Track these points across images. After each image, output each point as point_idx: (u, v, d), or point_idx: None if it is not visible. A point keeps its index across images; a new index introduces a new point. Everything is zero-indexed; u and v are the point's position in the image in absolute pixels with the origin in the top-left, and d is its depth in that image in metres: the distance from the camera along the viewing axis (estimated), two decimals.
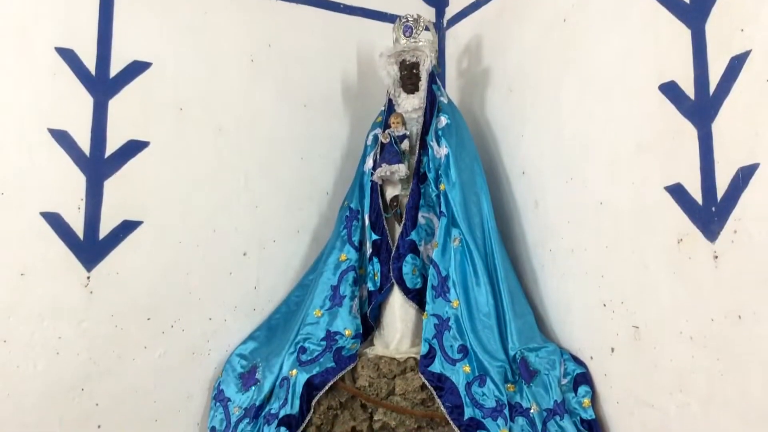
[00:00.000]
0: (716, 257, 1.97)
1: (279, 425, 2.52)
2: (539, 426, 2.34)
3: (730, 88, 1.96)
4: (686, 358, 2.02)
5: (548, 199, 2.62)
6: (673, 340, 2.06)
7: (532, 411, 2.36)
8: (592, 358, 2.38)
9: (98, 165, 2.61)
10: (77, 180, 2.58)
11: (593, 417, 2.29)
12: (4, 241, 2.47)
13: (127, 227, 2.64)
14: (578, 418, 2.31)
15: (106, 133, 2.63)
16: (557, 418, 2.32)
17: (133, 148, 2.67)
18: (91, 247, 2.58)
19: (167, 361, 2.69)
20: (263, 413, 2.59)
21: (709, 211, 1.99)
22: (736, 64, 1.94)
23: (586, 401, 2.31)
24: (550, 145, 2.63)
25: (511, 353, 2.48)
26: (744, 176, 1.91)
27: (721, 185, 1.97)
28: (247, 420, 2.59)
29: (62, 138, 2.56)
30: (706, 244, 2.00)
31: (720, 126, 1.99)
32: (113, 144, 2.64)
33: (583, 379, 2.35)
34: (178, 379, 2.70)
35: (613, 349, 2.28)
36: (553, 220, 2.59)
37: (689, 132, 2.06)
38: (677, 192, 2.08)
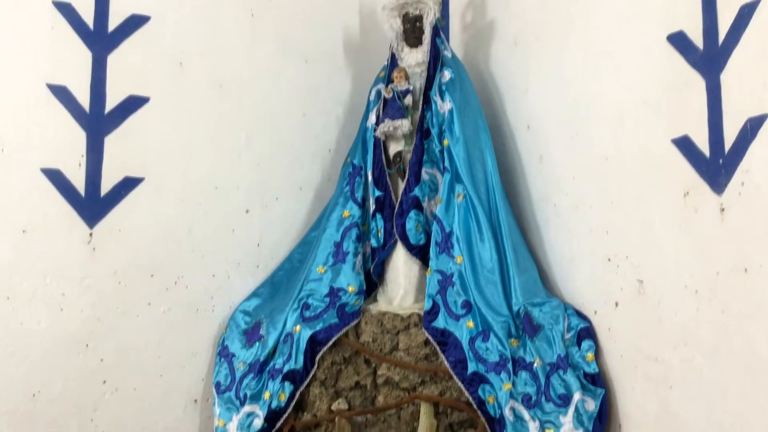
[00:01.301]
0: (723, 210, 1.94)
1: (283, 380, 2.53)
2: (542, 380, 2.35)
3: (739, 38, 1.91)
4: (691, 311, 2.01)
5: (553, 154, 2.60)
6: (677, 293, 2.05)
7: (535, 365, 2.37)
8: (596, 312, 2.37)
9: (98, 121, 2.58)
10: (77, 136, 2.55)
11: (597, 371, 2.30)
12: (6, 198, 2.46)
13: (128, 184, 2.62)
14: (582, 372, 2.31)
15: (105, 88, 2.60)
16: (560, 372, 2.33)
17: (133, 103, 2.64)
18: (92, 204, 2.56)
19: (171, 317, 2.69)
20: (268, 368, 2.60)
21: (717, 164, 1.96)
22: (746, 12, 1.89)
23: (590, 355, 2.31)
24: (555, 100, 2.59)
25: (515, 308, 2.48)
26: (752, 127, 1.87)
27: (729, 137, 1.94)
28: (251, 375, 2.60)
29: (61, 93, 2.53)
30: (712, 197, 1.97)
31: (729, 76, 1.95)
32: (113, 100, 2.61)
33: (587, 333, 2.35)
34: (183, 336, 2.71)
35: (617, 304, 2.27)
36: (557, 176, 2.57)
37: (697, 83, 2.02)
38: (684, 145, 2.05)
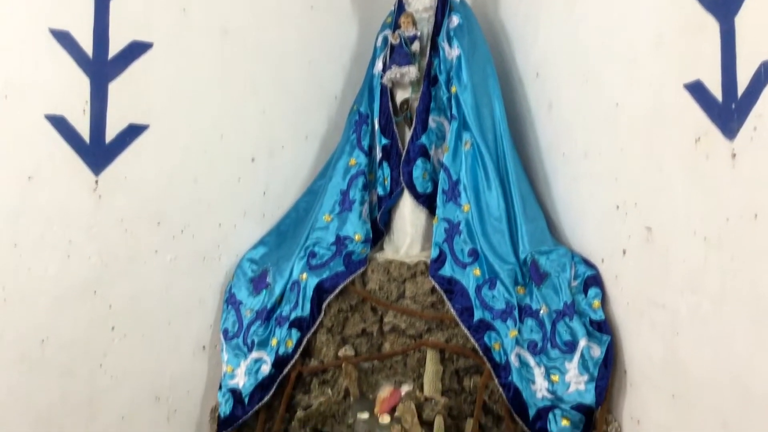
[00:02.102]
0: (734, 156, 1.91)
1: (290, 327, 2.55)
2: (548, 327, 2.35)
3: None
4: (699, 258, 1.99)
5: (562, 101, 2.56)
6: (686, 240, 2.03)
7: (541, 312, 2.37)
8: (603, 260, 2.37)
9: (102, 67, 2.55)
10: (81, 82, 2.52)
11: (603, 318, 2.30)
12: (11, 144, 2.44)
13: (133, 131, 2.60)
14: (588, 319, 2.31)
15: (108, 33, 2.55)
16: (567, 319, 2.33)
17: (137, 49, 2.60)
18: (97, 151, 2.55)
19: (178, 265, 2.70)
20: (275, 316, 2.61)
21: (729, 109, 1.93)
22: None
23: (596, 303, 2.32)
24: (566, 46, 2.54)
25: (522, 256, 2.47)
26: (766, 71, 1.83)
27: (742, 81, 1.89)
28: (258, 322, 2.62)
29: (64, 38, 2.49)
30: (724, 142, 1.94)
31: (743, 19, 1.90)
32: (116, 45, 2.57)
33: (594, 281, 2.35)
34: (190, 283, 2.72)
35: (624, 251, 2.26)
36: (566, 123, 2.54)
37: (711, 26, 1.97)
38: (696, 89, 2.01)
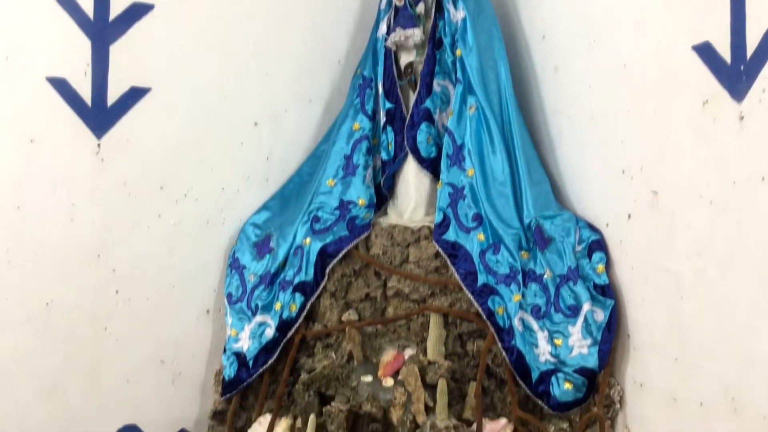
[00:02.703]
0: (742, 118, 1.89)
1: (294, 291, 2.55)
2: (552, 291, 2.35)
3: None
4: (705, 222, 1.98)
5: (569, 64, 2.53)
6: (692, 204, 2.02)
7: (545, 277, 2.37)
8: (608, 225, 2.36)
9: (103, 29, 2.52)
10: (82, 44, 2.49)
11: (607, 282, 2.30)
12: (12, 107, 2.43)
13: (135, 94, 2.57)
14: (592, 283, 2.31)
15: None
16: (570, 283, 2.33)
17: (138, 10, 2.56)
18: (99, 114, 2.53)
19: (182, 229, 2.69)
20: (278, 280, 2.61)
21: (737, 70, 1.90)
22: None
23: (600, 267, 2.31)
24: (572, 7, 2.51)
25: (526, 221, 2.46)
26: None
27: (752, 43, 1.87)
28: (262, 286, 2.62)
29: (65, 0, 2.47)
30: (732, 105, 1.92)
31: None
32: (117, 6, 2.53)
33: (598, 245, 2.34)
34: (194, 248, 2.72)
35: (629, 216, 2.25)
36: (573, 86, 2.51)
37: None
38: (705, 51, 1.98)
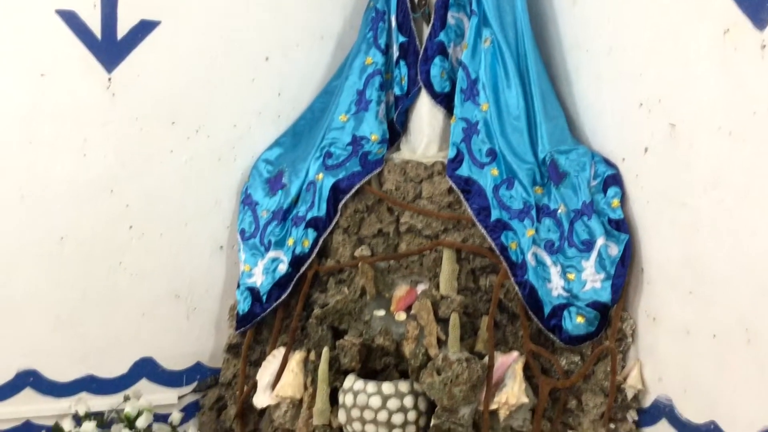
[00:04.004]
0: (764, 47, 1.84)
1: (306, 227, 2.55)
2: (566, 226, 2.34)
3: None
4: (723, 154, 1.95)
5: None
6: (710, 136, 1.99)
7: (559, 212, 2.36)
8: (624, 159, 2.32)
9: None
10: None
11: (621, 217, 2.28)
12: (21, 40, 2.41)
13: (145, 27, 2.54)
14: (606, 218, 2.29)
15: None
16: (585, 218, 2.31)
17: None
18: (109, 47, 2.50)
19: (194, 166, 2.69)
20: (291, 216, 2.61)
21: None
22: None
23: (615, 202, 2.29)
24: None
25: (541, 156, 2.43)
26: None
27: None
28: (275, 222, 2.62)
29: None
30: (754, 33, 1.87)
31: None
32: None
33: (613, 180, 2.31)
34: (206, 184, 2.72)
35: (646, 149, 2.22)
36: (591, 19, 2.44)
37: None
38: None
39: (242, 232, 2.68)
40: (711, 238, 2.00)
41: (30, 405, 2.55)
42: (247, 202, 2.71)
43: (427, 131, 2.62)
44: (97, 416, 2.43)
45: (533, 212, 2.37)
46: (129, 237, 2.62)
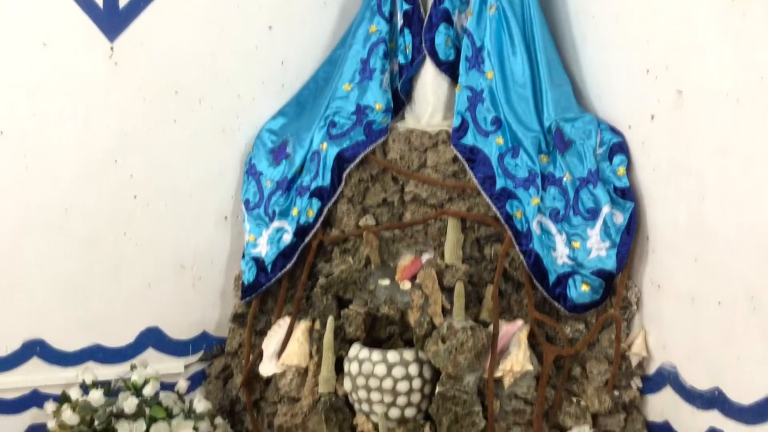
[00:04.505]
0: None
1: (311, 197, 2.55)
2: (571, 195, 2.33)
3: None
4: (730, 120, 1.94)
5: None
6: (717, 102, 1.97)
7: (564, 180, 2.35)
8: (630, 127, 2.31)
9: None
10: None
11: (627, 185, 2.27)
12: (23, 9, 2.40)
13: None
14: (612, 186, 2.29)
15: None
16: (590, 186, 2.31)
17: None
18: (111, 16, 2.49)
19: (198, 136, 2.68)
20: (295, 186, 2.61)
21: None
22: None
23: (621, 170, 2.28)
24: None
25: (546, 124, 2.42)
26: None
27: None
28: (279, 192, 2.62)
29: None
30: None
31: None
32: None
33: (619, 148, 2.30)
34: (210, 155, 2.71)
35: (653, 117, 2.21)
36: None
37: None
38: None
39: (246, 202, 2.68)
40: (717, 206, 1.99)
41: (37, 374, 2.57)
42: (251, 172, 2.70)
43: (431, 100, 2.60)
44: (104, 385, 2.44)
45: (538, 181, 2.36)
46: (134, 207, 2.62)
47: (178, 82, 2.61)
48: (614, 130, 2.35)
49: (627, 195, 2.26)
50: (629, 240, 2.25)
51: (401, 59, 2.63)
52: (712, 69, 2.00)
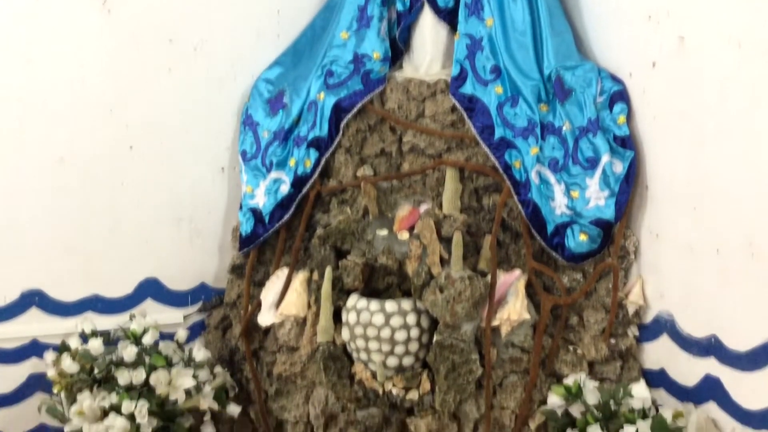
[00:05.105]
0: None
1: (308, 147, 2.53)
2: (570, 144, 2.32)
3: None
4: (732, 66, 1.91)
5: None
6: (720, 48, 1.94)
7: (564, 129, 2.33)
8: (631, 74, 2.28)
9: None
10: None
11: (627, 133, 2.25)
12: None
13: None
14: (612, 135, 2.26)
15: None
16: (590, 135, 2.29)
17: None
18: None
19: (193, 85, 2.64)
20: (292, 136, 2.59)
21: None
22: None
23: (621, 118, 2.26)
24: None
25: (546, 72, 2.39)
26: None
27: None
28: (276, 143, 2.60)
29: None
30: None
31: None
32: None
33: (620, 96, 2.27)
34: (206, 105, 2.68)
35: (654, 64, 2.18)
36: None
37: None
38: None
39: (243, 153, 2.66)
40: (717, 153, 1.97)
41: (36, 324, 2.58)
42: (247, 122, 2.68)
43: (430, 48, 2.56)
44: (104, 334, 2.45)
45: (537, 130, 2.34)
46: (130, 157, 2.60)
47: (172, 29, 2.57)
48: (615, 78, 2.32)
49: (627, 144, 2.25)
50: (628, 189, 2.24)
51: (399, 6, 2.58)
52: (715, 13, 1.97)
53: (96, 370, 2.33)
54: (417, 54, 2.60)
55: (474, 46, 2.45)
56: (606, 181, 2.26)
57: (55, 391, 2.39)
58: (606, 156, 2.25)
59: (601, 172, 2.26)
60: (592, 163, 2.28)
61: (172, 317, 2.72)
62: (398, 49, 2.63)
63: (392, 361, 2.34)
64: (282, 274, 2.57)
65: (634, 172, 2.24)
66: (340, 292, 2.43)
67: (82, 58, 2.49)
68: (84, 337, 2.44)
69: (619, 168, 2.25)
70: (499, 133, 2.36)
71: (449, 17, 2.52)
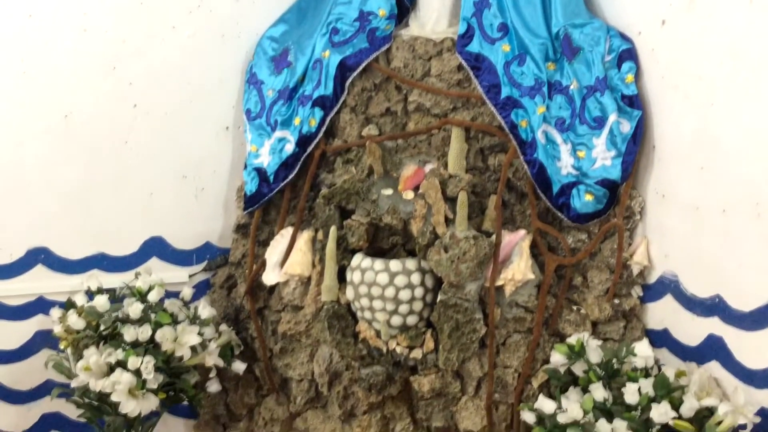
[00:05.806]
0: None
1: (313, 106, 2.51)
2: (578, 103, 2.30)
3: None
4: (742, 23, 1.89)
5: None
6: (730, 5, 1.91)
7: (571, 88, 2.31)
8: (640, 33, 2.25)
9: None
10: None
11: (635, 93, 2.23)
12: None
13: None
14: (620, 94, 2.24)
15: None
16: (597, 94, 2.26)
17: None
18: None
19: (197, 43, 2.62)
20: (297, 95, 2.57)
21: None
22: None
23: (629, 77, 2.23)
24: None
25: (554, 30, 2.36)
26: None
27: None
28: (281, 102, 2.58)
29: None
30: None
31: None
32: None
33: (628, 54, 2.24)
34: (210, 62, 2.66)
35: (664, 22, 2.15)
36: None
37: None
38: None
39: (248, 112, 2.65)
40: (725, 113, 1.96)
41: (42, 281, 2.59)
42: (252, 81, 2.66)
43: (436, 6, 2.52)
44: (109, 292, 2.47)
45: (545, 89, 2.32)
46: (134, 115, 2.58)
47: None
48: (624, 37, 2.29)
49: (635, 103, 2.22)
50: (635, 149, 2.23)
51: None
52: None
53: (102, 327, 2.34)
54: (423, 11, 2.56)
55: (481, 4, 2.42)
56: (613, 140, 2.24)
57: (61, 347, 2.40)
58: (613, 115, 2.23)
59: (608, 132, 2.24)
60: (599, 123, 2.26)
61: (178, 276, 2.72)
62: (404, 6, 2.59)
63: (396, 320, 2.35)
64: (287, 233, 2.57)
65: (641, 132, 2.22)
66: (345, 251, 2.43)
67: (85, 12, 2.46)
68: (90, 294, 2.45)
69: (627, 127, 2.23)
70: (505, 92, 2.34)
71: None
